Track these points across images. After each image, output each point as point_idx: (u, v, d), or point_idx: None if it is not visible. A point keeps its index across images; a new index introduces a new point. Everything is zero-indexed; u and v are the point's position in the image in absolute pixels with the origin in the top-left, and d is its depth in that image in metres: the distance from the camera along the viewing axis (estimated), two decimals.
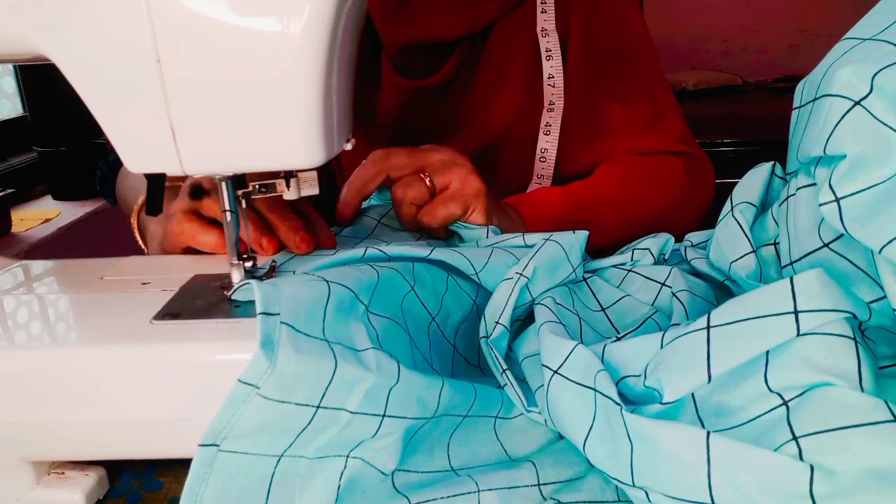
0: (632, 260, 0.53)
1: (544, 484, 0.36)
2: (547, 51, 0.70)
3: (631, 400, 0.35)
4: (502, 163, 0.74)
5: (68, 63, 0.35)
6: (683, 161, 0.73)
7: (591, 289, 0.51)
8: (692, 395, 0.33)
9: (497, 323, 0.43)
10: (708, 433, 0.28)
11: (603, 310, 0.49)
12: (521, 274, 0.45)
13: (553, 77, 0.71)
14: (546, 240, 0.48)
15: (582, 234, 0.50)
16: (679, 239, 0.56)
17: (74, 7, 0.33)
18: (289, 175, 0.41)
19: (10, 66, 1.18)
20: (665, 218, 0.71)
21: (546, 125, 0.72)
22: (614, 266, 0.54)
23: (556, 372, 0.36)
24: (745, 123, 1.62)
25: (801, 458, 0.27)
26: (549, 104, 0.72)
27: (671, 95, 0.76)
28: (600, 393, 0.33)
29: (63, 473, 0.39)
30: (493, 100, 0.73)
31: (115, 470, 0.40)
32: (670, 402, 0.32)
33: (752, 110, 1.76)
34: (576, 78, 0.71)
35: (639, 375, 0.35)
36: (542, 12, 0.70)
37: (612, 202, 0.68)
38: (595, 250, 0.57)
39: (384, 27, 0.70)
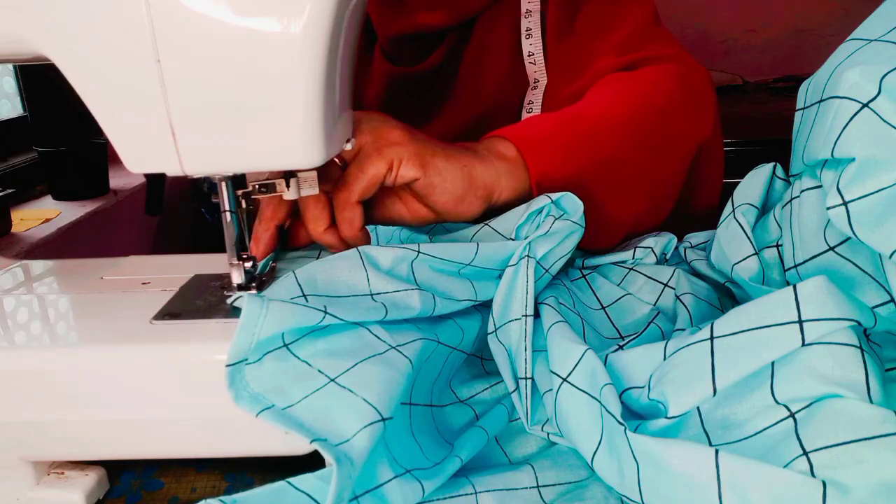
0: (633, 258, 0.53)
1: (543, 486, 0.36)
2: (527, 30, 0.72)
3: (636, 412, 0.35)
4: None
5: (68, 63, 0.35)
6: (669, 62, 0.66)
7: (590, 286, 0.51)
8: (697, 407, 0.33)
9: (524, 316, 0.41)
10: (717, 451, 0.28)
11: (603, 308, 0.49)
12: (528, 256, 0.42)
13: (533, 55, 0.72)
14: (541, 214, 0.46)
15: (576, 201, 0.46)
16: (680, 238, 0.56)
17: (74, 7, 0.33)
18: (289, 175, 0.41)
19: (10, 66, 1.18)
20: (663, 127, 0.60)
21: (529, 102, 0.72)
22: (615, 263, 0.53)
23: (565, 380, 0.36)
24: (745, 123, 1.62)
25: (812, 473, 0.26)
26: (534, 82, 0.73)
27: (666, 30, 0.71)
28: (605, 409, 0.33)
29: (63, 473, 0.39)
30: (475, 83, 0.75)
31: (115, 470, 0.40)
32: (676, 417, 0.32)
33: (752, 110, 1.76)
34: (555, 30, 0.71)
35: (643, 387, 0.34)
36: None
37: (608, 123, 0.57)
38: (590, 247, 0.56)
39: (379, 19, 0.72)
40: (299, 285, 0.38)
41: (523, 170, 0.50)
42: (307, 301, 0.37)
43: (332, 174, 0.45)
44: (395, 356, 0.36)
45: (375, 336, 0.37)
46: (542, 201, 0.46)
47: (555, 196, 0.46)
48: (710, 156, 0.65)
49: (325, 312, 0.35)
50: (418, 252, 0.42)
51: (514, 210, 0.47)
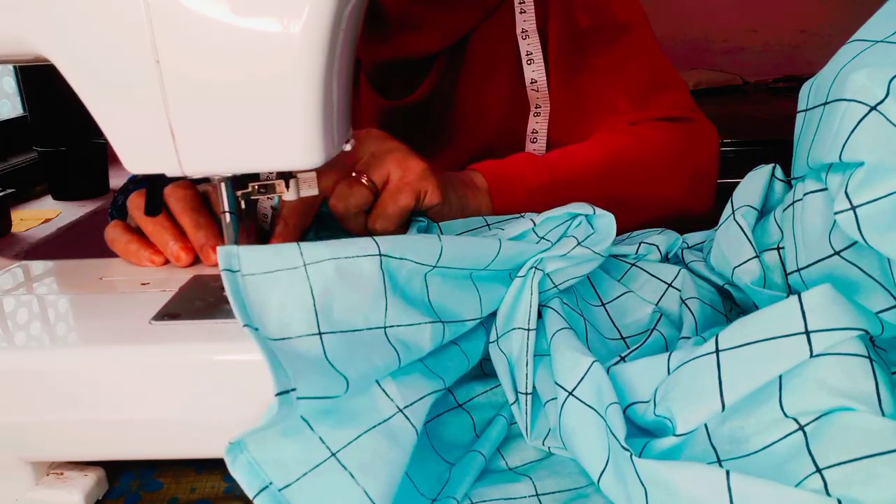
0: (636, 253, 0.52)
1: (543, 494, 0.36)
2: (528, 54, 0.69)
3: (642, 427, 0.35)
4: None
5: (68, 63, 0.35)
6: (678, 125, 0.69)
7: (590, 280, 0.50)
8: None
9: (527, 329, 0.40)
10: (728, 473, 0.27)
11: (603, 305, 0.48)
12: (536, 268, 0.42)
13: (536, 81, 0.69)
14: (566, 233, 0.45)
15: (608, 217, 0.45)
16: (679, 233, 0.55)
17: (74, 8, 0.33)
18: (288, 175, 0.41)
19: (10, 66, 1.18)
20: (653, 184, 0.66)
21: (532, 132, 0.71)
22: (615, 256, 0.52)
23: (570, 393, 0.35)
24: (745, 123, 1.62)
25: (826, 491, 0.26)
26: (536, 108, 0.70)
27: (668, 66, 0.72)
28: (611, 432, 0.32)
29: (62, 474, 0.39)
30: (476, 110, 0.72)
31: (115, 470, 0.40)
32: (684, 435, 0.32)
33: (752, 110, 1.76)
34: (559, 63, 0.69)
35: (647, 402, 0.34)
36: (520, 13, 0.68)
37: (590, 172, 0.63)
38: None
39: (362, 46, 0.68)
40: (315, 308, 0.35)
41: (489, 200, 0.59)
42: (322, 339, 0.34)
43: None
44: (400, 425, 0.35)
45: (383, 391, 0.35)
46: (584, 209, 0.45)
47: (593, 212, 0.45)
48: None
49: (347, 385, 0.33)
50: (434, 266, 0.40)
51: (556, 210, 0.46)
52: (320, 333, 0.34)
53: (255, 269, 0.34)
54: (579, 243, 0.43)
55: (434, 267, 0.39)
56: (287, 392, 0.30)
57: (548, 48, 0.69)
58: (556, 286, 0.44)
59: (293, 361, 0.32)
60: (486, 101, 0.71)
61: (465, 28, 0.68)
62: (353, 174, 0.50)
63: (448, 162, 0.72)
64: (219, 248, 0.34)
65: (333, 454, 0.32)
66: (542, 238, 0.45)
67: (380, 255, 0.37)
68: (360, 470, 0.32)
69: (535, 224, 0.46)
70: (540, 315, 0.43)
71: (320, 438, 0.33)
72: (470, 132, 0.72)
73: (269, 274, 0.34)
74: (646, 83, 0.70)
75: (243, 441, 0.32)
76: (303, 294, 0.35)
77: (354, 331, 0.35)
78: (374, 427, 0.34)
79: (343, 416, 0.34)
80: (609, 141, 0.66)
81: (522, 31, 0.68)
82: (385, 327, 0.36)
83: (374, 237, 0.38)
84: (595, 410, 0.34)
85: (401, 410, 0.35)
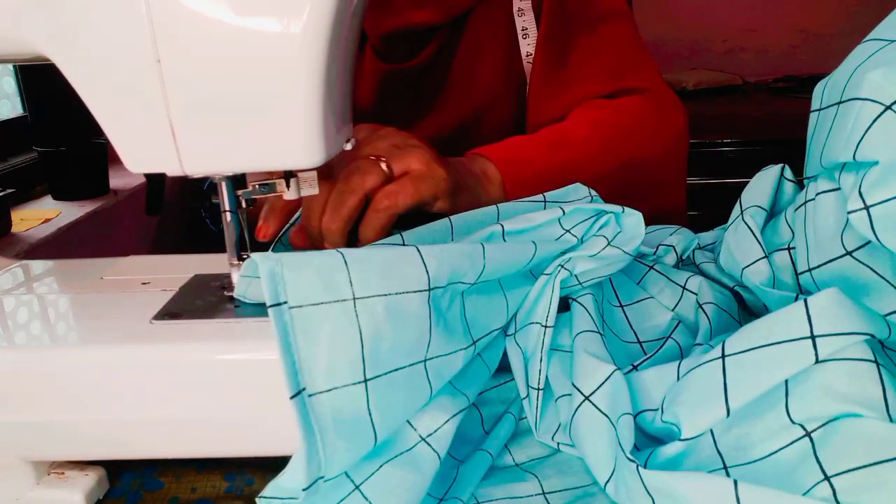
0: (655, 254, 0.52)
1: (549, 493, 0.36)
2: (523, 29, 0.74)
3: (650, 435, 0.35)
4: (483, 139, 0.76)
5: (68, 63, 0.35)
6: (647, 96, 0.73)
7: (610, 281, 0.49)
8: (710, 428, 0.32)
9: (544, 326, 0.40)
10: (735, 482, 0.27)
11: (621, 306, 0.48)
12: (562, 266, 0.41)
13: (531, 55, 0.74)
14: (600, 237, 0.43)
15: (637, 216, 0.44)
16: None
17: (75, 7, 0.33)
18: (288, 175, 0.41)
19: (10, 66, 1.18)
20: (636, 150, 0.69)
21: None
22: (635, 258, 0.51)
23: (587, 398, 0.35)
24: (745, 123, 1.62)
25: (835, 499, 0.26)
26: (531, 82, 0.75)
27: (644, 51, 0.76)
28: (619, 442, 0.32)
29: (63, 473, 0.39)
30: (470, 79, 0.76)
31: (115, 470, 0.40)
32: (690, 439, 0.32)
33: (751, 110, 1.76)
34: (546, 40, 0.74)
35: (656, 410, 0.34)
36: None
37: (588, 150, 0.66)
38: None
39: (369, 18, 0.72)
40: (363, 355, 0.33)
41: (502, 190, 0.60)
42: (367, 386, 0.32)
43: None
44: (423, 452, 0.34)
45: (407, 422, 0.35)
46: (612, 207, 0.44)
47: (622, 210, 0.44)
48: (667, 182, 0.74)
49: (375, 437, 0.33)
50: (474, 283, 0.38)
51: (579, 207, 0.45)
52: (366, 381, 0.33)
53: (301, 299, 0.31)
54: (609, 243, 0.42)
55: (474, 284, 0.38)
56: (315, 481, 0.30)
57: (539, 26, 0.74)
58: (580, 283, 0.43)
59: (329, 429, 0.31)
60: (480, 71, 0.76)
61: (464, 6, 0.73)
62: (371, 157, 0.47)
63: (438, 124, 0.77)
64: (258, 261, 0.30)
65: (357, 487, 0.33)
66: (568, 231, 0.44)
67: (429, 289, 0.35)
68: (380, 498, 0.33)
69: (563, 213, 0.44)
70: (568, 307, 0.43)
71: (346, 474, 0.33)
72: (463, 97, 0.77)
73: (316, 308, 0.31)
74: (623, 62, 0.74)
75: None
76: (352, 339, 0.32)
77: (397, 370, 0.34)
78: (397, 457, 0.34)
79: (370, 452, 0.33)
80: (594, 116, 0.70)
81: (518, 10, 0.74)
82: (426, 361, 0.35)
83: (420, 249, 0.35)
84: (608, 418, 0.34)
85: (423, 439, 0.35)
